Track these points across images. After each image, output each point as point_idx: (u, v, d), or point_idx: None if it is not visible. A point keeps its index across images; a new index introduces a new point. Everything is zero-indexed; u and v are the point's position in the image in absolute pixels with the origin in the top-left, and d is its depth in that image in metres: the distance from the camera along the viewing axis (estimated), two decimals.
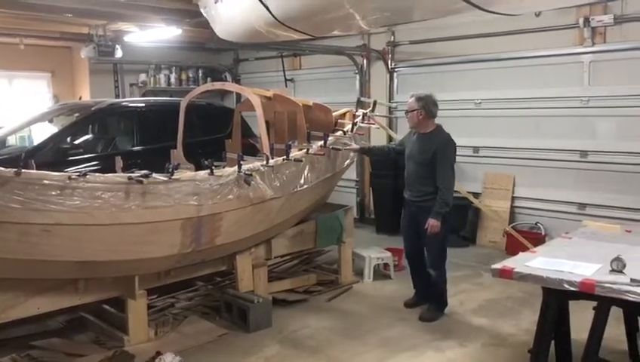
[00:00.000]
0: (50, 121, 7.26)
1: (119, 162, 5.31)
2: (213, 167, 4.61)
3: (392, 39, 8.80)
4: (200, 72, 10.86)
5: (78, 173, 3.91)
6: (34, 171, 3.94)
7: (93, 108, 7.04)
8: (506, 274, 3.50)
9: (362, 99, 7.41)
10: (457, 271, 6.52)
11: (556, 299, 3.54)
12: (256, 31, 5.05)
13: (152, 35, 8.53)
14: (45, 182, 3.75)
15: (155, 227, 4.25)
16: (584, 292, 3.21)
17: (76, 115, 6.99)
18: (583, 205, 7.04)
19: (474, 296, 5.83)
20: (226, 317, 5.14)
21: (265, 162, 4.92)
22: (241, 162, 4.77)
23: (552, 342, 3.74)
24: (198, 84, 10.41)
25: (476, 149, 7.98)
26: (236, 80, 10.96)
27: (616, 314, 3.67)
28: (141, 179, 4.09)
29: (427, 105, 5.04)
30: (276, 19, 4.49)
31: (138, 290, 4.57)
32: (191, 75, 10.76)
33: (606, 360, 3.65)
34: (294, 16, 4.43)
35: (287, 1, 4.32)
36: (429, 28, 7.89)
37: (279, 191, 5.05)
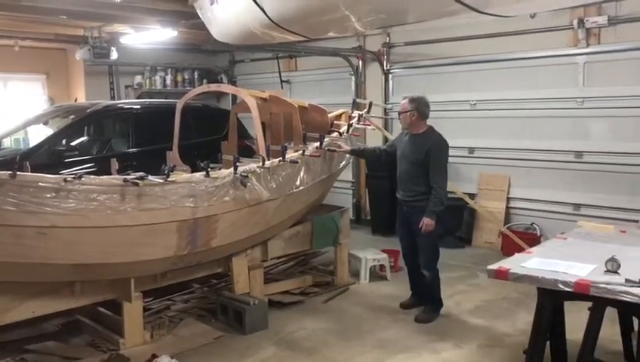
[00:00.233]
0: (46, 123, 7.25)
1: (115, 164, 5.29)
2: (209, 169, 4.60)
3: (388, 41, 8.81)
4: (196, 73, 10.85)
5: (73, 176, 3.90)
6: (29, 173, 3.93)
7: (88, 110, 7.02)
8: (501, 274, 3.51)
9: (358, 100, 7.41)
10: (453, 272, 6.54)
11: (551, 300, 3.55)
12: (252, 32, 5.06)
13: (148, 37, 8.53)
14: (40, 184, 3.75)
15: (151, 229, 4.24)
16: (579, 292, 3.22)
17: (71, 116, 6.97)
18: (577, 205, 7.06)
19: (470, 297, 5.84)
20: (222, 319, 5.13)
21: (261, 164, 4.91)
22: (237, 164, 4.77)
23: (548, 342, 3.76)
24: (194, 85, 10.40)
25: (471, 150, 8.00)
26: (232, 81, 10.94)
27: (611, 314, 3.68)
28: (137, 181, 4.09)
29: (420, 107, 5.11)
30: (272, 21, 4.50)
31: (134, 293, 4.55)
32: (187, 77, 10.74)
33: (601, 361, 3.66)
34: (290, 18, 4.44)
35: (283, 3, 4.32)
36: (425, 29, 7.91)
37: (275, 193, 5.05)
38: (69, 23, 7.94)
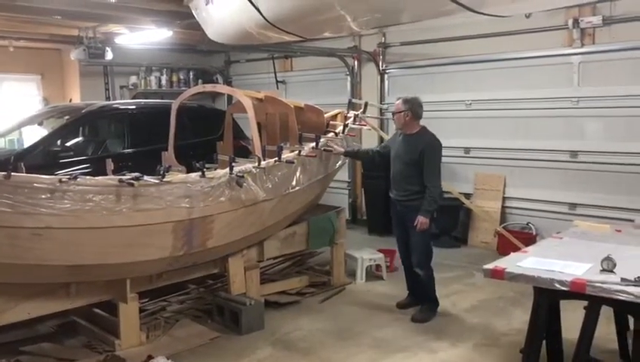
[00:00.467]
0: (40, 124, 7.22)
1: (110, 165, 5.29)
2: (204, 169, 4.59)
3: (383, 41, 8.82)
4: (191, 73, 10.84)
5: (68, 176, 3.89)
6: (24, 174, 3.91)
7: (83, 111, 7.00)
8: (497, 274, 3.52)
9: (353, 100, 7.42)
10: (449, 272, 6.55)
11: (547, 299, 3.56)
12: (248, 33, 5.05)
13: (143, 37, 8.50)
14: (35, 185, 3.73)
15: (147, 230, 4.23)
16: (575, 291, 3.23)
17: (66, 117, 6.95)
18: (573, 205, 7.08)
19: (466, 297, 5.85)
20: (218, 320, 5.12)
21: (257, 164, 4.91)
22: (233, 164, 4.76)
23: (544, 341, 3.76)
24: (189, 86, 10.37)
25: (467, 150, 8.01)
26: (227, 82, 10.93)
27: (606, 313, 3.70)
28: (132, 181, 4.07)
29: (413, 107, 5.18)
30: (267, 21, 4.49)
31: (130, 294, 4.53)
32: (182, 77, 10.73)
33: (597, 359, 3.67)
34: (285, 18, 4.43)
35: (278, 3, 4.31)
36: (420, 29, 7.92)
37: (271, 193, 5.05)
38: (63, 23, 7.91)
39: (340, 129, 6.04)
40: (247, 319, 4.91)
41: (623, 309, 3.75)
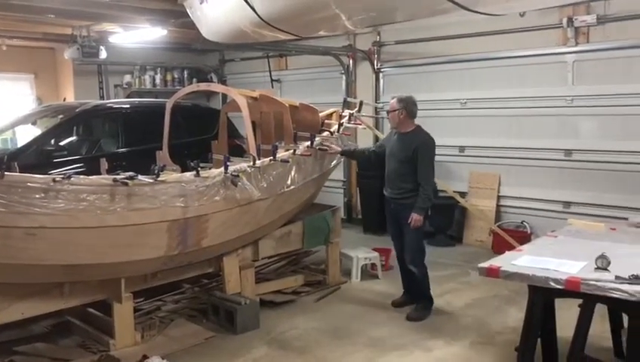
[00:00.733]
0: (34, 123, 7.19)
1: (104, 164, 5.27)
2: (199, 169, 4.58)
3: (378, 39, 8.82)
4: (185, 72, 10.80)
5: (62, 176, 3.87)
6: (17, 174, 3.89)
7: (77, 110, 6.97)
8: (492, 272, 3.52)
9: (348, 99, 7.42)
10: (444, 271, 6.56)
11: (542, 297, 3.57)
12: (242, 31, 5.04)
13: (137, 36, 8.47)
14: (29, 184, 3.71)
15: (141, 229, 4.21)
16: (570, 289, 3.24)
17: (60, 116, 6.91)
18: (567, 203, 7.10)
19: (461, 295, 5.86)
20: (213, 319, 5.11)
21: (251, 163, 4.90)
22: (228, 163, 4.75)
23: (539, 339, 3.77)
24: (184, 85, 10.34)
25: (462, 149, 8.02)
26: (222, 81, 10.91)
27: (601, 311, 3.71)
28: (126, 181, 4.06)
29: (408, 106, 5.22)
30: (262, 20, 4.48)
31: (124, 293, 4.52)
32: (176, 76, 10.68)
33: (591, 357, 3.68)
34: (280, 17, 4.42)
35: (273, 2, 4.31)
36: (415, 28, 7.93)
37: (266, 192, 5.04)
38: (57, 22, 7.87)
39: (335, 128, 6.04)
40: (242, 318, 4.90)
41: (617, 307, 3.77)
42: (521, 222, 7.49)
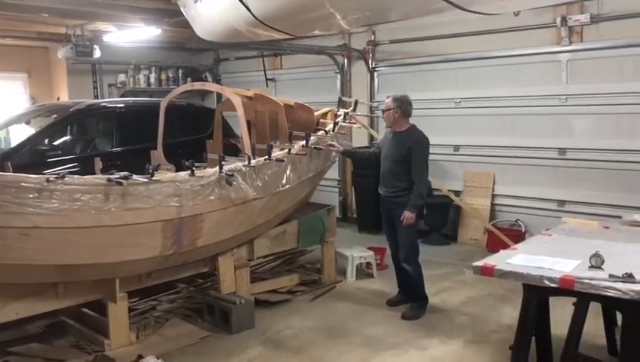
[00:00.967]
0: (28, 123, 7.14)
1: (98, 163, 5.24)
2: (194, 168, 4.57)
3: (373, 38, 8.82)
4: (180, 72, 10.77)
5: (56, 175, 3.85)
6: (11, 174, 3.88)
7: (71, 109, 6.93)
8: (487, 271, 3.53)
9: (343, 98, 7.40)
10: (439, 269, 6.57)
11: (537, 296, 3.58)
12: (237, 30, 5.02)
13: (131, 35, 8.44)
14: (23, 184, 3.69)
15: (136, 229, 4.20)
16: (564, 288, 3.25)
17: (54, 116, 6.87)
18: (562, 202, 7.13)
19: (456, 294, 5.88)
20: (208, 319, 5.10)
21: (246, 162, 4.90)
22: (223, 162, 4.74)
23: (533, 337, 3.78)
24: (178, 84, 10.32)
25: (456, 148, 8.04)
26: (217, 80, 10.89)
27: (595, 309, 3.72)
28: (121, 180, 4.04)
29: (402, 105, 5.25)
30: (256, 19, 4.47)
31: (119, 293, 4.51)
32: (171, 75, 10.66)
33: (585, 355, 3.70)
34: (274, 16, 4.41)
35: (268, 1, 4.30)
36: (410, 27, 7.93)
37: (261, 192, 5.03)
38: (50, 21, 7.83)
39: (330, 127, 6.04)
40: (237, 318, 4.90)
41: (611, 305, 3.78)
42: (516, 221, 7.51)
